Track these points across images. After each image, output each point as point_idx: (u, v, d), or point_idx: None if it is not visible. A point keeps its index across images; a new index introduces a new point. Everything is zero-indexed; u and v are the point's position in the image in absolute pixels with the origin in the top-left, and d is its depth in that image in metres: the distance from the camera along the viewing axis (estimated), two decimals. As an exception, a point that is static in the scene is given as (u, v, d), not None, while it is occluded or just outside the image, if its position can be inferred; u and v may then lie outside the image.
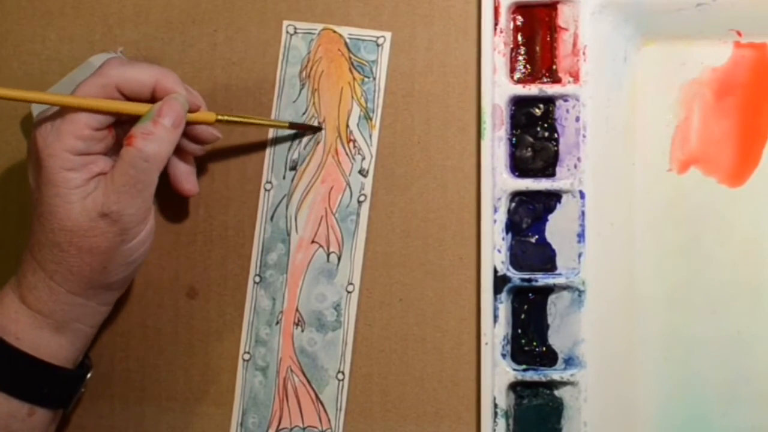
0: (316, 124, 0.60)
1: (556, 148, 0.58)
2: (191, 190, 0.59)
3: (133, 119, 0.55)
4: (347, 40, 0.61)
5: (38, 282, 0.54)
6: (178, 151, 0.57)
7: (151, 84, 0.55)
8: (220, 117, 0.57)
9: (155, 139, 0.54)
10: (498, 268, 0.57)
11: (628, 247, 0.58)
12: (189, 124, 0.56)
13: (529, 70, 0.59)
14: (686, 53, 0.58)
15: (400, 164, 0.60)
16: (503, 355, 0.57)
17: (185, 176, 0.59)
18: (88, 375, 0.59)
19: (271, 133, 0.61)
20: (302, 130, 0.60)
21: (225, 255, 0.61)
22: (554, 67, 0.58)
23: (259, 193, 0.61)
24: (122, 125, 0.56)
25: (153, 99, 0.55)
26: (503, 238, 0.58)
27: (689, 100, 0.58)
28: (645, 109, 0.58)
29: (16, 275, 0.56)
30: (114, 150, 0.55)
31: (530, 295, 0.58)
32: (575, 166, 0.57)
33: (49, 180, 0.53)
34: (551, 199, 0.58)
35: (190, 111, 0.56)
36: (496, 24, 0.58)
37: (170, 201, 0.62)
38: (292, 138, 0.61)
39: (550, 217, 0.58)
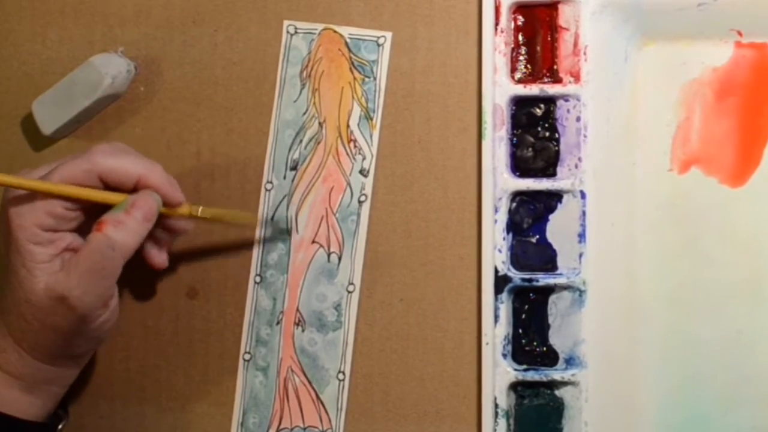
0: (284, 222, 0.61)
1: (556, 148, 0.58)
2: (160, 264, 0.59)
3: (107, 204, 0.55)
4: (348, 40, 0.61)
5: (7, 346, 0.54)
6: (150, 237, 0.57)
7: (136, 178, 0.55)
8: (193, 212, 0.57)
9: (125, 229, 0.53)
10: (499, 268, 0.57)
11: (628, 247, 0.58)
12: (163, 216, 0.56)
13: (530, 70, 0.59)
14: (687, 53, 0.58)
15: (401, 164, 0.60)
16: (504, 355, 0.57)
17: (155, 253, 0.58)
18: (60, 425, 0.59)
19: (272, 133, 0.61)
20: (277, 229, 0.60)
21: (225, 255, 0.61)
22: (555, 67, 0.58)
23: (259, 193, 0.61)
24: (94, 204, 0.56)
25: (133, 190, 0.55)
26: (504, 238, 0.58)
27: (690, 100, 0.58)
28: (646, 109, 0.58)
29: None
30: (83, 227, 0.55)
31: (531, 295, 0.58)
32: (576, 166, 0.57)
33: (17, 250, 0.53)
34: (552, 199, 0.58)
35: (171, 206, 0.56)
36: (496, 24, 0.58)
37: (170, 201, 0.62)
38: (292, 138, 0.61)
39: (551, 217, 0.58)
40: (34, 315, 0.53)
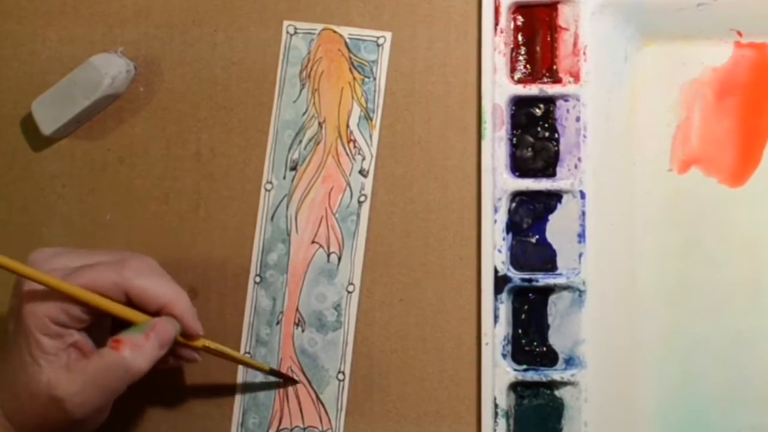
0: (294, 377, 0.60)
1: (556, 148, 0.58)
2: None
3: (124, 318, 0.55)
4: (347, 40, 0.61)
5: (2, 421, 0.54)
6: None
7: (163, 303, 0.54)
8: (206, 344, 0.57)
9: (141, 353, 0.53)
10: (498, 268, 0.57)
11: (628, 247, 0.58)
12: (178, 344, 0.56)
13: (530, 70, 0.59)
14: (687, 53, 0.58)
15: (401, 164, 0.60)
16: (504, 355, 0.57)
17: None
18: None
19: (272, 133, 0.61)
20: (281, 378, 0.60)
21: (225, 255, 0.61)
22: (555, 67, 0.58)
23: (259, 193, 0.61)
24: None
25: (156, 313, 0.55)
26: (504, 238, 0.58)
27: (690, 100, 0.58)
28: (645, 109, 0.58)
29: None
30: (92, 327, 0.55)
31: (531, 295, 0.58)
32: (576, 166, 0.57)
33: (25, 335, 0.53)
34: (552, 199, 0.58)
35: (188, 337, 0.56)
36: (496, 24, 0.58)
37: (170, 201, 0.62)
38: (292, 138, 0.61)
39: (551, 217, 0.58)
40: (29, 401, 0.53)
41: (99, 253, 0.55)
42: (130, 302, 0.54)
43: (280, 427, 0.60)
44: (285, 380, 0.60)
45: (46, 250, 0.55)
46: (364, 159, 0.60)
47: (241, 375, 0.61)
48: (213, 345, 0.57)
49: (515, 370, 0.57)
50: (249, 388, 0.60)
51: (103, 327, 0.56)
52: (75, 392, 0.52)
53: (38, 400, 0.53)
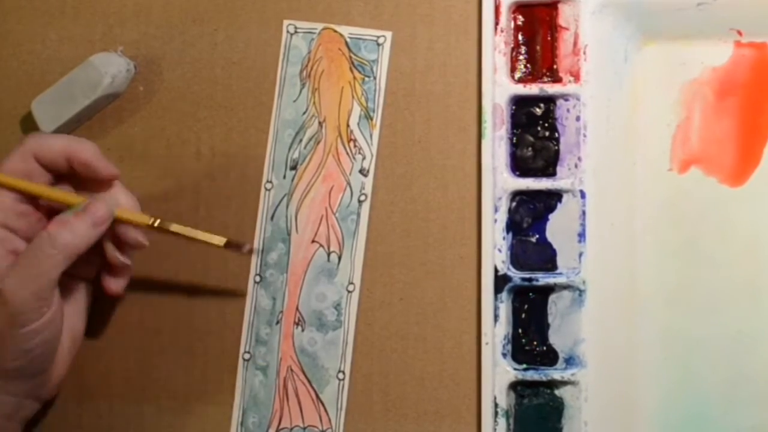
0: (246, 244, 0.59)
1: (556, 147, 0.58)
2: (115, 291, 0.58)
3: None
4: (348, 40, 0.61)
5: None
6: (106, 260, 0.57)
7: (63, 152, 0.55)
8: (153, 223, 0.56)
9: (70, 230, 0.53)
10: (498, 268, 0.57)
11: (628, 246, 0.58)
12: (119, 222, 0.56)
13: (530, 70, 0.59)
14: (687, 53, 0.58)
15: (401, 164, 0.60)
16: (504, 355, 0.57)
17: (110, 280, 0.58)
18: None
19: (272, 133, 0.61)
20: (236, 251, 0.58)
21: (225, 255, 0.61)
22: (555, 66, 0.58)
23: (259, 193, 0.61)
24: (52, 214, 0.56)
25: (72, 173, 0.56)
26: (504, 238, 0.58)
27: (690, 99, 0.58)
28: (646, 109, 0.58)
29: None
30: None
31: (531, 294, 0.58)
32: (576, 166, 0.57)
33: None
34: (552, 198, 0.58)
35: (104, 180, 0.56)
36: (496, 23, 0.58)
37: (169, 201, 0.62)
38: (292, 137, 0.61)
39: (551, 216, 0.58)
40: None
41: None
42: (51, 173, 0.55)
43: (280, 427, 0.60)
44: (240, 248, 0.58)
45: None
46: (364, 158, 0.60)
47: (241, 374, 0.60)
48: (159, 222, 0.57)
49: (515, 369, 0.57)
50: (249, 387, 0.60)
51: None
52: (7, 277, 0.52)
53: None
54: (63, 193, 0.56)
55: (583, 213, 0.57)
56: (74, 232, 0.53)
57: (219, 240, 0.58)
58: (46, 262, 0.52)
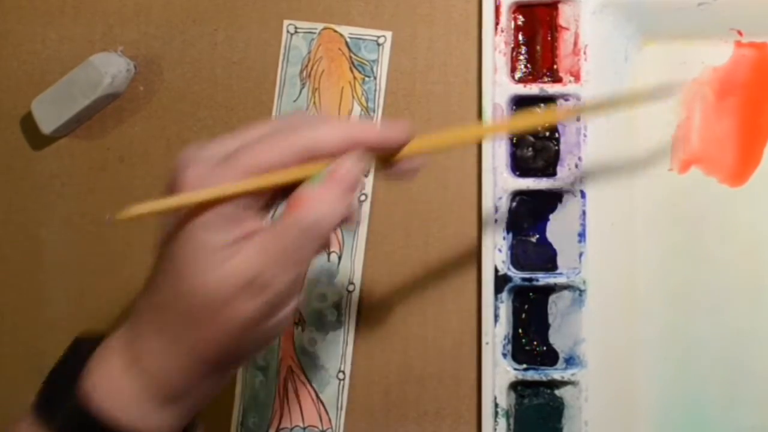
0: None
1: (557, 147, 0.58)
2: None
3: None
4: (348, 40, 0.61)
5: (161, 346, 0.46)
6: None
7: (343, 148, 0.46)
8: (420, 145, 0.47)
9: (322, 207, 0.45)
10: (499, 268, 0.57)
11: (628, 246, 0.58)
12: (388, 160, 0.47)
13: (530, 70, 0.59)
14: (687, 53, 0.57)
15: (401, 164, 0.60)
16: (504, 355, 0.57)
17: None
18: None
19: (272, 133, 0.61)
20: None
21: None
22: (555, 66, 0.58)
23: (259, 193, 0.61)
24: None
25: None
26: (504, 238, 0.57)
27: (690, 99, 0.58)
28: (646, 109, 0.58)
29: (127, 335, 0.47)
30: (268, 208, 0.47)
31: (531, 294, 0.58)
32: (576, 166, 0.57)
33: (183, 236, 0.45)
34: (552, 198, 0.58)
35: (394, 152, 0.47)
36: (496, 23, 0.58)
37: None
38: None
39: (551, 216, 0.58)
40: (202, 310, 0.45)
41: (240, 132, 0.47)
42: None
43: (280, 427, 0.60)
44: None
45: (186, 158, 0.46)
46: (364, 158, 0.60)
47: (241, 375, 0.60)
48: (428, 141, 0.48)
49: (515, 369, 0.57)
50: (249, 387, 0.60)
51: None
52: (261, 271, 0.44)
53: (214, 306, 0.45)
54: (299, 170, 0.45)
55: (584, 213, 0.57)
56: (326, 209, 0.45)
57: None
58: (302, 250, 0.45)
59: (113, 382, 0.46)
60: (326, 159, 0.46)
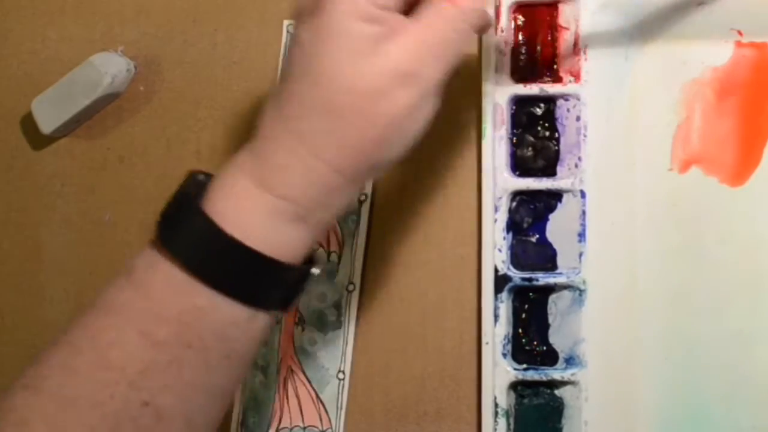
0: None
1: (556, 147, 0.58)
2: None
3: None
4: (348, 40, 0.61)
5: (294, 160, 0.45)
6: None
7: None
8: None
9: (474, 8, 0.46)
10: (499, 268, 0.57)
11: (628, 246, 0.58)
12: None
13: (530, 70, 0.58)
14: (687, 53, 0.57)
15: (401, 164, 0.60)
16: (504, 355, 0.57)
17: None
18: (316, 271, 0.49)
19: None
20: None
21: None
22: (555, 66, 0.58)
23: (259, 193, 0.61)
24: None
25: None
26: (504, 238, 0.57)
27: (690, 99, 0.58)
28: (646, 109, 0.58)
29: (253, 155, 0.46)
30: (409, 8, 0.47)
31: (531, 294, 0.58)
32: (576, 166, 0.57)
33: (334, 31, 0.44)
34: (552, 198, 0.58)
35: None
36: (496, 23, 0.58)
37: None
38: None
39: (551, 216, 0.58)
40: (355, 104, 0.44)
41: None
42: None
43: (280, 427, 0.60)
44: None
45: None
46: (364, 158, 0.60)
47: (241, 375, 0.61)
48: None
49: (515, 369, 0.57)
50: (249, 387, 0.60)
51: None
52: (415, 59, 0.45)
53: (368, 97, 0.44)
54: None
55: (583, 213, 0.57)
56: (478, 14, 0.47)
57: None
58: (457, 39, 0.46)
59: (241, 203, 0.45)
60: None
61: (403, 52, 0.44)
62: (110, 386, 0.44)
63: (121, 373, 0.44)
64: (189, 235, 0.45)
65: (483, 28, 0.49)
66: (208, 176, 0.47)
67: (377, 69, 0.44)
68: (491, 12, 0.49)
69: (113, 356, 0.44)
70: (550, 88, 0.57)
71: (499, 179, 0.58)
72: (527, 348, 0.58)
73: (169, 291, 0.45)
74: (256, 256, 0.45)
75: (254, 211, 0.45)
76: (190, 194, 0.46)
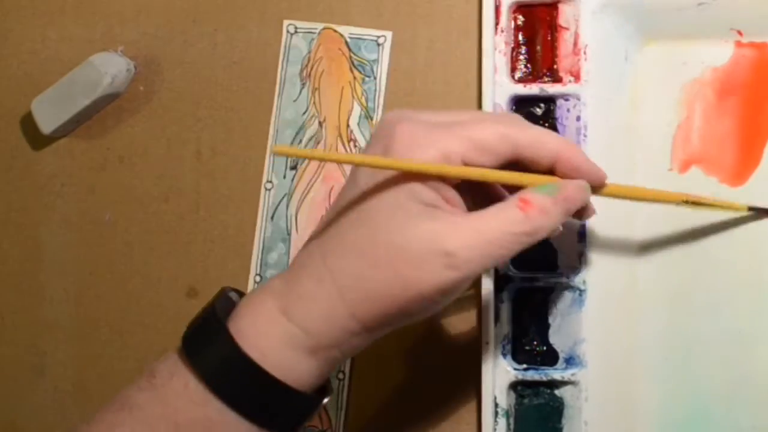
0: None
1: (557, 147, 0.58)
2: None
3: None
4: (348, 40, 0.61)
5: (319, 294, 0.46)
6: None
7: (555, 157, 0.47)
8: (611, 189, 0.50)
9: (547, 219, 0.46)
10: (499, 268, 0.57)
11: (628, 247, 0.58)
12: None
13: (530, 70, 0.59)
14: (687, 53, 0.57)
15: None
16: (504, 355, 0.57)
17: None
18: (325, 400, 0.50)
19: (272, 133, 0.61)
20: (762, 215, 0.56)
21: (225, 255, 0.61)
22: (555, 66, 0.58)
23: (259, 193, 0.61)
24: None
25: (549, 172, 0.48)
26: (504, 238, 0.57)
27: (690, 99, 0.58)
28: (646, 109, 0.58)
29: (283, 281, 0.48)
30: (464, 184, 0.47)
31: (531, 294, 0.58)
32: (576, 166, 0.57)
33: (388, 195, 0.45)
34: (552, 198, 0.58)
35: (594, 188, 0.49)
36: (497, 23, 0.58)
37: (169, 201, 0.62)
38: (292, 137, 0.61)
39: (551, 216, 0.58)
40: (391, 262, 0.44)
41: (445, 113, 0.47)
42: (510, 164, 0.47)
43: (280, 427, 0.60)
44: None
45: (401, 115, 0.47)
46: (364, 158, 0.60)
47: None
48: (617, 188, 0.50)
49: (515, 369, 0.57)
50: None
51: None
52: (467, 246, 0.44)
53: (405, 260, 0.44)
54: (520, 175, 0.47)
55: (584, 213, 0.57)
56: (549, 222, 0.46)
57: (742, 206, 0.54)
58: (513, 249, 0.46)
59: (263, 327, 0.46)
60: (535, 168, 0.47)
61: (456, 233, 0.45)
62: None
63: None
64: (211, 351, 0.47)
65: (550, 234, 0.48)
66: (240, 294, 0.49)
67: (424, 236, 0.44)
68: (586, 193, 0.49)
69: None
70: (550, 88, 0.57)
71: (499, 179, 0.57)
72: (527, 348, 0.58)
73: (185, 399, 0.46)
74: (271, 380, 0.46)
75: (273, 336, 0.46)
76: (218, 312, 0.48)
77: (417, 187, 0.45)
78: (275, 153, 0.48)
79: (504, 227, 0.45)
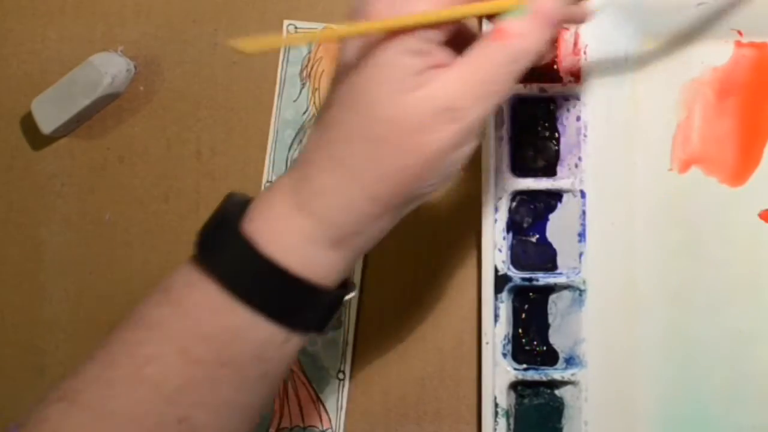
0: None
1: (556, 147, 0.58)
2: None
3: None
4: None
5: (333, 185, 0.45)
6: None
7: None
8: None
9: (529, 41, 0.44)
10: (499, 268, 0.57)
11: (628, 246, 0.58)
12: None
13: (530, 70, 0.58)
14: (687, 53, 0.57)
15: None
16: (504, 355, 0.57)
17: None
18: (351, 295, 0.49)
19: (272, 133, 0.61)
20: None
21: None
22: (555, 66, 0.58)
23: (259, 192, 0.61)
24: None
25: None
26: (504, 238, 0.57)
27: (690, 99, 0.58)
28: (646, 109, 0.58)
29: (293, 179, 0.46)
30: (454, 41, 0.46)
31: (531, 294, 0.58)
32: (576, 166, 0.57)
33: (379, 61, 0.44)
34: (552, 198, 0.58)
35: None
36: (496, 23, 0.58)
37: (170, 201, 0.62)
38: (292, 138, 0.61)
39: (551, 216, 0.58)
40: (393, 135, 0.44)
41: None
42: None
43: (280, 427, 0.60)
44: None
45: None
46: (364, 158, 0.60)
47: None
48: None
49: (515, 369, 0.57)
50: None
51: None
52: (459, 97, 0.44)
53: (408, 129, 0.44)
54: (491, 3, 0.45)
55: (583, 213, 0.57)
56: (532, 43, 0.44)
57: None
58: (504, 82, 0.45)
59: (280, 225, 0.45)
60: None
61: (447, 87, 0.44)
62: (146, 401, 0.44)
63: (157, 389, 0.44)
64: (228, 256, 0.45)
65: (539, 60, 0.47)
66: (247, 197, 0.47)
67: (419, 102, 0.44)
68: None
69: (150, 372, 0.44)
70: (550, 88, 0.57)
71: (499, 179, 0.58)
72: (527, 348, 0.58)
73: (207, 309, 0.45)
74: (294, 279, 0.45)
75: (292, 234, 0.45)
76: (230, 214, 0.46)
77: (404, 40, 0.44)
78: (245, 51, 0.46)
79: (489, 64, 0.44)
